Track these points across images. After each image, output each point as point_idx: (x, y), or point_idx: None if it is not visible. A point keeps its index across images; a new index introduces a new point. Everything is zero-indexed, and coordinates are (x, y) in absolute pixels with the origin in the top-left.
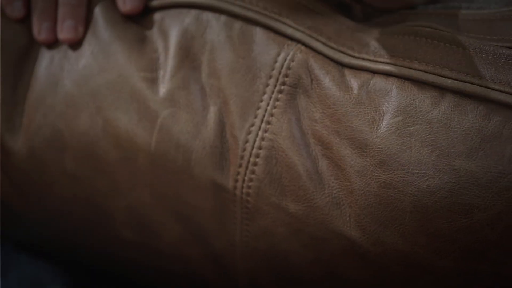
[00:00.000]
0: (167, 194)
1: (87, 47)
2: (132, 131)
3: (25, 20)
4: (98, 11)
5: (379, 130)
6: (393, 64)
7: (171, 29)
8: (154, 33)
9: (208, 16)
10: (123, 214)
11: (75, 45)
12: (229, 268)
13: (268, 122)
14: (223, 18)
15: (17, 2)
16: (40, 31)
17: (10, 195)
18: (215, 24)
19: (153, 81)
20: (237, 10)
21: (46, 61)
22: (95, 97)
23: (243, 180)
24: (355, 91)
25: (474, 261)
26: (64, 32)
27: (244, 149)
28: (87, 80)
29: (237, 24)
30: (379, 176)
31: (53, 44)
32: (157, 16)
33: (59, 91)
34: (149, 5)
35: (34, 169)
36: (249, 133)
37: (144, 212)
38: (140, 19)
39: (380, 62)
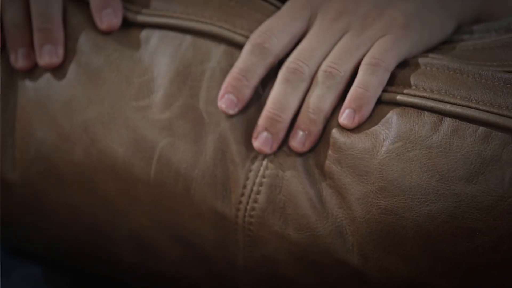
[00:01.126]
0: (167, 221)
1: (74, 76)
2: (130, 162)
3: (3, 50)
4: (79, 36)
5: (379, 157)
6: (393, 92)
7: (165, 53)
8: (142, 54)
9: (206, 43)
10: (124, 239)
11: (60, 74)
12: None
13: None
14: (223, 46)
15: None
16: (16, 58)
17: (9, 220)
18: (214, 52)
19: (147, 109)
20: (238, 39)
21: (30, 92)
22: (88, 129)
23: (245, 209)
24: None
25: (479, 283)
26: (44, 57)
27: (248, 178)
28: (77, 113)
29: (238, 53)
30: (380, 202)
31: (36, 74)
32: (144, 34)
33: (49, 124)
34: (132, 19)
35: (32, 199)
36: (253, 162)
37: (145, 237)
38: (124, 38)
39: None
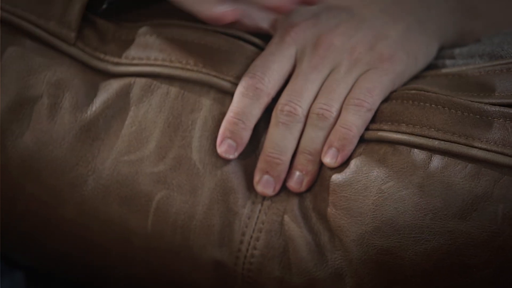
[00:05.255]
0: (165, 270)
1: (58, 135)
2: (125, 216)
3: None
4: (64, 93)
5: (372, 197)
6: (382, 130)
7: (151, 102)
8: (126, 105)
9: (195, 91)
10: (121, 282)
11: (44, 134)
12: None
13: (270, 197)
14: (212, 94)
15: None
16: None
17: (6, 252)
18: (204, 100)
19: (140, 162)
20: (227, 86)
21: (13, 152)
22: (78, 187)
23: (245, 257)
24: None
25: None
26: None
27: (246, 226)
28: (65, 172)
29: (228, 100)
30: (376, 243)
31: (18, 133)
32: (126, 84)
33: (36, 181)
34: (114, 71)
35: (26, 244)
36: (251, 209)
37: (142, 283)
38: (107, 91)
39: (371, 129)
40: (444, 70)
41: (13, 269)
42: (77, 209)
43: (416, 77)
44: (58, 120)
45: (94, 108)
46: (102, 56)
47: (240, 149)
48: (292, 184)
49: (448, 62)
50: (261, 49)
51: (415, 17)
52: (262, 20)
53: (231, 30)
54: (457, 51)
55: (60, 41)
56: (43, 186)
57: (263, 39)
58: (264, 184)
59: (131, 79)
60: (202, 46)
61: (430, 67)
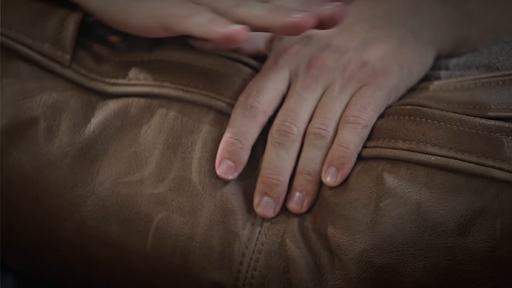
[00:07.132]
0: None
1: (59, 156)
2: (124, 236)
3: None
4: (60, 115)
5: (370, 215)
6: (379, 147)
7: (150, 123)
8: (124, 125)
9: (195, 113)
10: None
11: (42, 156)
12: None
13: (270, 218)
14: (212, 115)
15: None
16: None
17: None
18: (204, 121)
19: (139, 184)
20: (226, 107)
21: (11, 172)
22: (77, 207)
23: (244, 278)
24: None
25: None
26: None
27: (246, 247)
28: (64, 193)
29: (227, 122)
30: (374, 260)
31: (16, 155)
32: (124, 104)
33: (36, 201)
34: (112, 91)
35: (27, 262)
36: (250, 230)
37: None
38: (105, 111)
39: (368, 147)
40: (440, 82)
41: (3, 272)
42: (77, 228)
43: (412, 90)
44: (56, 142)
45: (91, 129)
46: (98, 77)
47: (239, 169)
48: (293, 205)
49: (444, 73)
50: (257, 71)
51: (408, 26)
52: (259, 42)
53: (229, 53)
54: (453, 61)
55: (55, 64)
56: (42, 207)
57: (259, 60)
58: (264, 206)
59: (129, 100)
60: (201, 68)
61: (427, 78)
